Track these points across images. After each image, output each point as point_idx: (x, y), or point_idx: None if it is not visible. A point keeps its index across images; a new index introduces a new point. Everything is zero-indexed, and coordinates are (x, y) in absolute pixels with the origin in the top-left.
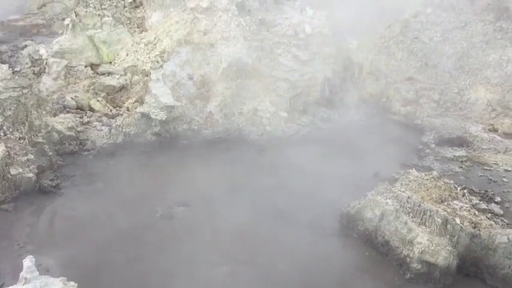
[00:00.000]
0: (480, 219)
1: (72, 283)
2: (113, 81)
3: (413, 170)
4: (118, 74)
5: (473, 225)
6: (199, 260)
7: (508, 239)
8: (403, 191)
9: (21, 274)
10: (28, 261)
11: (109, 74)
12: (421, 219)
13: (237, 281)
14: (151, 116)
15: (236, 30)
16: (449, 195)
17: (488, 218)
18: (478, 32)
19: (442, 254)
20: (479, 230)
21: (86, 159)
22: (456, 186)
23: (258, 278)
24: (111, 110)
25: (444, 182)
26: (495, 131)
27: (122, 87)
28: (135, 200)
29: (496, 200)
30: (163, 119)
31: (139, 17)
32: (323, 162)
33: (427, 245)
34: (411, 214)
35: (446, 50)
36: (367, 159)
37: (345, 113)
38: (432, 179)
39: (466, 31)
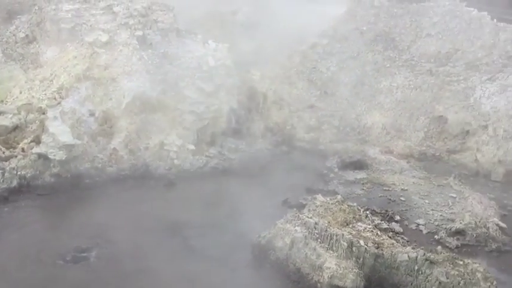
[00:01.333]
0: (383, 239)
1: None
2: (5, 120)
3: (319, 195)
4: (11, 113)
5: (376, 245)
6: None
7: (408, 256)
8: (311, 217)
9: None
10: None
11: (0, 113)
12: (329, 244)
13: None
14: (49, 156)
15: (138, 64)
16: (354, 217)
17: (390, 237)
18: (369, 61)
19: (350, 277)
20: (382, 250)
21: None
22: (359, 208)
23: None
24: (3, 152)
25: (348, 205)
26: (391, 152)
27: (16, 127)
28: (33, 249)
29: (395, 219)
30: (63, 158)
31: (33, 53)
32: (233, 193)
33: (335, 269)
34: (319, 240)
35: (342, 79)
36: (276, 187)
37: (252, 143)
38: (337, 203)
39: (358, 60)
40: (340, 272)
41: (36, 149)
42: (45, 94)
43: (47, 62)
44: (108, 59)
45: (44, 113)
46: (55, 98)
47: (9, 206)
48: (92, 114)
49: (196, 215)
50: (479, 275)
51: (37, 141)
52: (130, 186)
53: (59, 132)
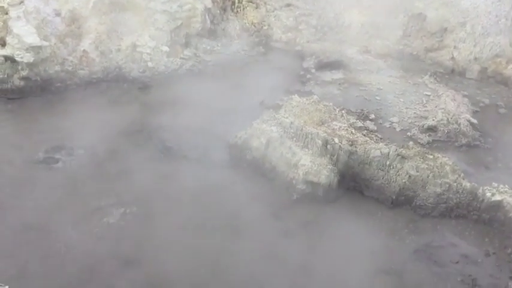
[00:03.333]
0: (357, 137)
1: None
2: None
3: (296, 95)
4: None
5: (350, 143)
6: (82, 206)
7: (380, 152)
8: (286, 117)
9: None
10: None
11: None
12: (304, 143)
13: (124, 225)
14: (16, 58)
15: None
16: (329, 117)
17: (364, 135)
18: None
19: (324, 173)
20: (356, 147)
21: None
22: (335, 107)
23: (147, 217)
24: None
25: (324, 105)
26: (368, 52)
27: None
28: (5, 152)
29: (370, 118)
30: (31, 61)
31: None
32: (209, 95)
33: (310, 166)
34: (294, 139)
35: None
36: (253, 88)
37: (228, 44)
38: (313, 103)
39: None
40: (315, 168)
41: (2, 51)
42: None
43: None
44: None
45: (6, 13)
46: None
47: None
48: (57, 14)
49: (172, 117)
50: (447, 168)
51: (2, 43)
52: (103, 90)
53: (24, 33)
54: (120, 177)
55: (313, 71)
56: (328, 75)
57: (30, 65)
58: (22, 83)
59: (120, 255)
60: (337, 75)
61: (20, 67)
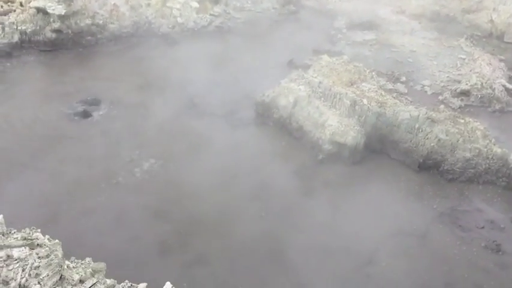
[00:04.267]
0: (386, 99)
1: None
2: None
3: (326, 55)
4: None
5: (379, 104)
6: (114, 157)
7: (410, 115)
8: (315, 77)
9: None
10: None
11: None
12: (332, 103)
13: (155, 173)
14: (48, 10)
15: None
16: (359, 78)
17: (394, 97)
18: None
19: (351, 134)
20: (384, 108)
21: None
22: (365, 69)
23: (174, 170)
24: (1, 6)
25: (354, 66)
26: (402, 12)
27: None
28: (39, 105)
29: (401, 80)
30: (62, 13)
31: None
32: (238, 53)
33: (337, 127)
34: (322, 98)
35: None
36: (282, 47)
37: (258, 1)
38: (343, 63)
39: None
40: (342, 129)
41: (34, 3)
42: None
43: None
44: None
45: None
46: None
47: (13, 62)
48: None
49: (200, 73)
50: (478, 133)
51: None
52: (133, 44)
53: None
54: (148, 131)
55: (344, 30)
56: (359, 36)
57: (61, 18)
58: (54, 35)
59: (148, 206)
60: (369, 35)
61: (51, 19)
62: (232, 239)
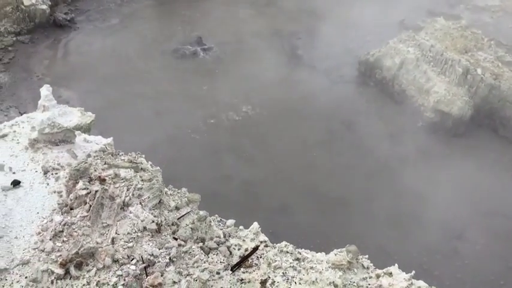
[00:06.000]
0: (503, 71)
1: (89, 113)
2: None
3: (441, 18)
4: None
5: (494, 76)
6: (213, 98)
7: None
8: (427, 40)
9: (39, 102)
10: (45, 90)
11: None
12: (442, 69)
13: (250, 118)
14: None
15: None
16: (475, 45)
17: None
18: None
19: (458, 104)
20: (500, 81)
21: None
22: (483, 37)
23: (270, 118)
24: None
25: (471, 32)
26: None
27: None
28: (150, 39)
29: None
30: None
31: None
32: (347, 8)
33: (444, 95)
34: (432, 63)
35: None
36: (394, 5)
37: None
38: (459, 28)
39: None
40: (449, 97)
41: None
42: None
43: None
44: None
45: None
46: None
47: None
48: None
49: (305, 25)
50: None
51: None
52: None
53: None
54: (248, 77)
55: None
56: (481, 0)
57: None
58: None
59: (239, 148)
60: (493, 1)
61: None
62: (317, 195)
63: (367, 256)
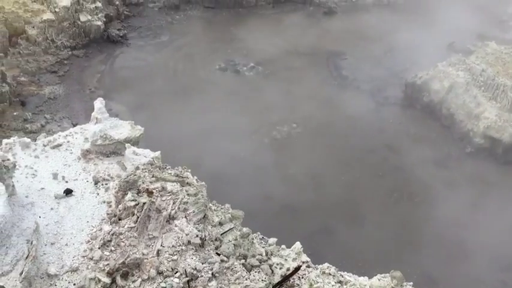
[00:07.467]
0: None
1: (139, 127)
2: None
3: (493, 42)
4: None
5: None
6: (257, 115)
7: None
8: (478, 64)
9: (92, 114)
10: (98, 103)
11: None
12: (493, 94)
13: (293, 137)
14: None
15: None
16: None
17: None
18: None
19: (509, 131)
20: None
21: (151, 11)
22: None
23: (313, 137)
24: None
25: None
26: None
27: None
28: (196, 56)
29: None
30: None
31: None
32: (395, 29)
33: (495, 121)
34: (482, 88)
35: None
36: (443, 28)
37: None
38: None
39: None
40: (500, 124)
41: None
42: None
43: None
44: None
45: None
46: None
47: (180, 14)
48: None
49: (352, 46)
50: None
51: None
52: (289, 10)
53: None
54: (293, 96)
55: None
56: None
57: None
58: None
59: (281, 166)
60: None
61: None
62: (359, 217)
63: (411, 283)
